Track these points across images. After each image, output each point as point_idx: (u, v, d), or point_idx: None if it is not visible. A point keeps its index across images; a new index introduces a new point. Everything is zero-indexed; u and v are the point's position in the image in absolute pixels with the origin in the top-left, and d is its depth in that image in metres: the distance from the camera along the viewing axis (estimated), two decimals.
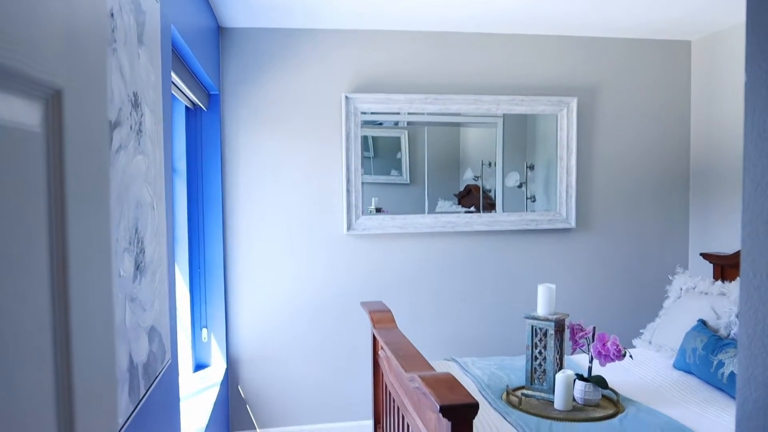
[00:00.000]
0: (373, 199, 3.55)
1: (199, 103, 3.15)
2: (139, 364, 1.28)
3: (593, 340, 2.48)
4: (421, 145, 3.56)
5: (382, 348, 2.75)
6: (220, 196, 3.37)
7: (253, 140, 3.44)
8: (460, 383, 1.78)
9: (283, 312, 3.54)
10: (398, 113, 3.53)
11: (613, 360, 2.42)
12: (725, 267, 3.41)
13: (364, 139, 3.53)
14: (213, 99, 3.34)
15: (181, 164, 3.15)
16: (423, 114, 3.55)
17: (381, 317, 2.79)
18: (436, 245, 3.67)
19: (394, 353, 2.31)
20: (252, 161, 3.45)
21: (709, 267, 3.59)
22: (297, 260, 3.53)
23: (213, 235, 3.37)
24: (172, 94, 2.93)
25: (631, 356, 2.49)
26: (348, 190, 3.48)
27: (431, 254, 3.66)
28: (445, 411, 1.63)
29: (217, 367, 3.40)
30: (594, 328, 2.50)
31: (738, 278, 3.09)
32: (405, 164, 3.55)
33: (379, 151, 3.53)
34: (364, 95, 3.45)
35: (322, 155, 3.52)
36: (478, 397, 2.57)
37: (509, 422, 2.27)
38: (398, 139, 3.56)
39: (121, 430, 1.17)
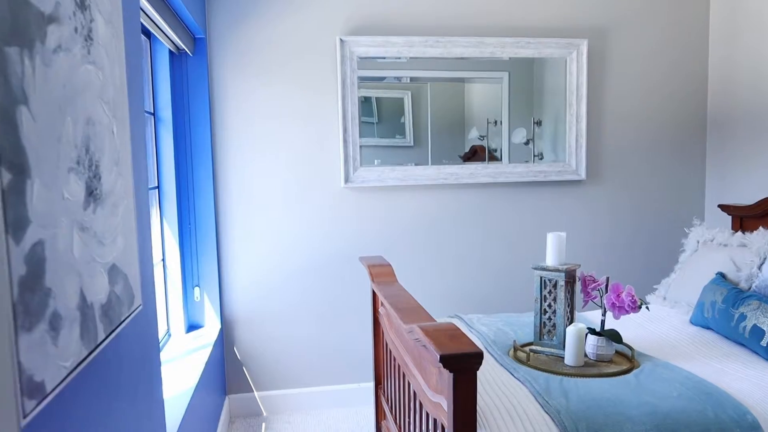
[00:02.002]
0: (375, 161, 3.38)
1: (185, 47, 2.95)
2: (95, 304, 1.12)
3: (606, 292, 2.32)
4: (424, 106, 3.38)
5: (381, 304, 2.60)
6: (209, 148, 3.19)
7: (243, 87, 3.24)
8: (462, 332, 1.62)
9: (280, 269, 3.38)
10: (398, 58, 3.32)
11: (627, 312, 2.26)
12: (745, 218, 3.23)
13: (367, 101, 3.35)
14: (199, 43, 3.13)
15: (166, 113, 2.97)
16: (424, 59, 3.33)
17: (380, 271, 2.63)
18: (439, 198, 3.49)
19: (394, 306, 2.15)
20: (243, 110, 3.26)
21: (726, 219, 3.40)
22: (293, 215, 3.36)
23: (203, 189, 3.20)
24: (153, 36, 2.73)
25: (647, 307, 2.32)
26: (345, 140, 3.29)
27: (434, 208, 3.49)
28: (446, 361, 1.47)
29: (211, 327, 3.26)
30: (608, 278, 2.33)
31: (760, 228, 2.92)
32: (408, 127, 3.38)
33: (382, 117, 3.37)
34: (360, 38, 3.24)
35: (318, 103, 3.32)
36: (484, 354, 2.41)
37: (517, 378, 2.12)
38: (401, 101, 3.39)
39: (73, 372, 1.01)
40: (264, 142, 3.29)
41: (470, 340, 1.55)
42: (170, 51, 2.97)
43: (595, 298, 2.35)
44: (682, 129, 3.69)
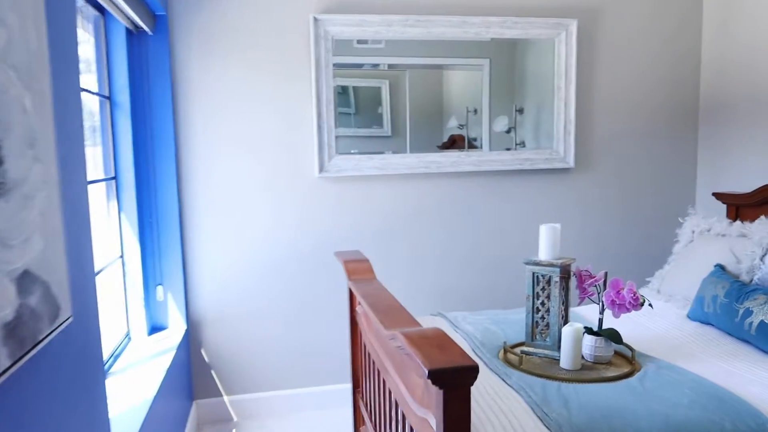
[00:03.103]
0: (352, 151, 3.16)
1: (143, 26, 2.69)
2: None
3: (605, 288, 2.13)
4: (402, 95, 3.20)
5: (359, 303, 2.39)
6: (172, 135, 2.93)
7: (209, 70, 2.99)
8: (452, 340, 1.41)
9: (251, 265, 3.15)
10: (377, 43, 3.09)
11: (628, 310, 2.07)
12: (741, 207, 3.07)
13: (344, 92, 3.16)
14: (160, 21, 2.87)
15: (123, 96, 2.71)
16: (402, 43, 3.12)
17: (357, 267, 2.41)
18: (420, 188, 3.28)
19: (372, 308, 1.94)
20: (209, 95, 3.01)
21: (718, 208, 3.24)
22: (264, 206, 3.13)
23: (165, 180, 2.94)
24: (108, 12, 2.47)
25: (650, 305, 2.14)
26: (319, 127, 3.06)
27: (414, 198, 3.28)
28: (436, 376, 1.26)
29: (176, 328, 3.02)
30: (606, 273, 2.14)
31: (762, 218, 2.76)
32: (386, 118, 3.20)
33: (360, 107, 3.19)
34: (336, 16, 3.01)
35: (290, 87, 3.08)
36: (471, 356, 2.22)
37: (510, 385, 1.92)
38: (379, 90, 3.21)
39: None
40: (232, 130, 3.05)
41: (462, 350, 1.34)
42: (127, 29, 2.70)
43: (592, 294, 2.16)
44: (673, 115, 3.52)
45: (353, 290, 2.32)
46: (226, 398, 3.20)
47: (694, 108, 3.53)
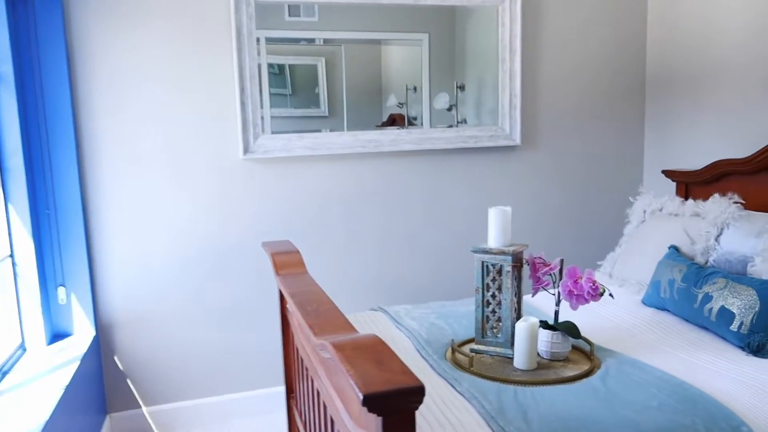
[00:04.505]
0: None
1: None
2: None
3: (561, 277, 1.92)
4: (339, 74, 3.01)
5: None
6: (70, 113, 2.55)
7: (113, 40, 2.61)
8: (392, 353, 1.16)
9: (167, 260, 2.81)
10: (312, 17, 2.80)
11: (587, 301, 1.87)
12: (691, 185, 2.93)
13: (280, 73, 2.94)
14: None
15: (5, 68, 2.31)
16: (337, 15, 2.89)
17: (286, 260, 2.13)
18: (357, 170, 3.00)
19: (301, 308, 1.67)
20: (114, 67, 2.63)
21: (668, 186, 3.10)
22: (182, 194, 2.79)
23: (64, 166, 2.56)
24: None
25: (611, 295, 1.95)
26: (242, 102, 2.74)
27: (351, 181, 3.00)
28: (372, 402, 1.01)
29: (82, 335, 2.66)
30: (562, 260, 1.93)
31: (715, 196, 2.62)
32: (323, 98, 3.01)
33: (297, 87, 2.97)
34: None
35: (209, 59, 2.74)
36: (415, 358, 1.98)
37: (460, 393, 1.68)
38: (315, 68, 2.99)
39: None
40: (143, 108, 2.69)
41: (404, 365, 1.09)
42: None
43: (547, 284, 1.95)
44: (620, 90, 3.36)
45: (281, 287, 2.04)
46: (145, 410, 2.87)
47: (641, 83, 3.38)
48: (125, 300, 2.77)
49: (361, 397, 1.00)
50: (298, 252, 2.16)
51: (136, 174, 2.71)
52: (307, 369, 1.93)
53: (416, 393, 1.02)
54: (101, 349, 2.78)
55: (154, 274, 2.80)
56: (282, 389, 2.85)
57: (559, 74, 3.24)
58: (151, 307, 2.81)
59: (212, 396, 2.96)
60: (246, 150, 2.78)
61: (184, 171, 2.78)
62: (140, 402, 2.86)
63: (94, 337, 2.68)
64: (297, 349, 2.14)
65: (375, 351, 1.17)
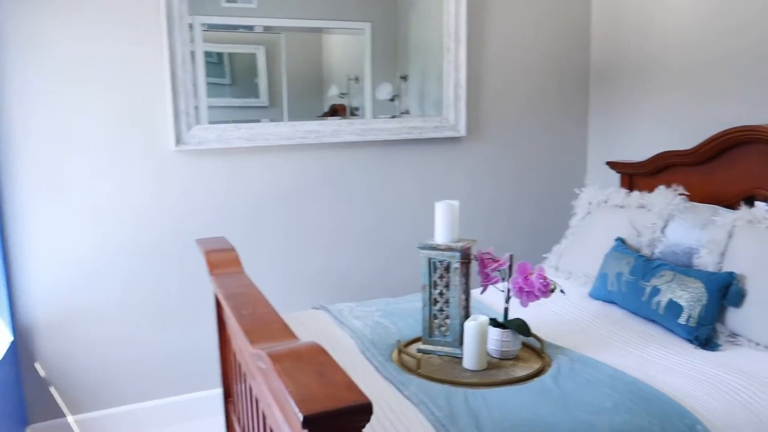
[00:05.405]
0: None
1: None
2: None
3: (511, 273, 1.85)
4: (279, 63, 2.91)
5: None
6: None
7: (27, 18, 2.38)
8: (335, 364, 1.05)
9: (94, 259, 2.61)
10: (250, 3, 2.65)
11: (538, 298, 1.81)
12: (635, 176, 2.93)
13: (219, 62, 2.81)
14: None
15: None
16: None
17: (221, 259, 1.99)
18: (298, 162, 2.87)
19: (236, 312, 1.54)
20: (29, 50, 2.40)
21: (613, 177, 3.09)
22: (109, 188, 2.59)
23: None
24: None
25: (562, 291, 1.89)
26: (174, 90, 2.56)
27: (291, 174, 2.87)
28: (314, 424, 0.90)
29: None
30: (511, 256, 1.86)
31: (661, 188, 2.61)
32: (263, 87, 2.90)
33: (236, 77, 2.86)
34: None
35: (137, 43, 2.54)
36: (359, 360, 1.88)
37: (407, 397, 1.59)
38: (254, 57, 2.87)
39: None
40: (63, 95, 2.47)
41: (349, 379, 0.98)
42: None
43: (496, 281, 1.88)
44: (565, 82, 3.33)
45: (215, 288, 1.90)
46: (71, 418, 2.67)
47: (585, 74, 3.37)
48: (46, 302, 2.56)
49: (301, 418, 0.89)
50: (234, 250, 2.02)
51: (58, 168, 2.50)
52: (245, 374, 1.80)
53: (363, 411, 0.92)
54: (19, 355, 2.56)
55: (80, 274, 2.59)
56: (219, 391, 2.70)
57: (504, 65, 3.19)
58: (76, 308, 2.61)
59: (145, 401, 2.78)
60: (178, 141, 2.60)
61: (112, 164, 2.58)
62: (65, 411, 2.66)
63: (12, 343, 2.47)
64: (235, 353, 2.01)
65: (316, 362, 1.07)
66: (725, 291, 2.00)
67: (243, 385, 1.85)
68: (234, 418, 2.17)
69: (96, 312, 2.64)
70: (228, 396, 2.27)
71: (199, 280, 2.72)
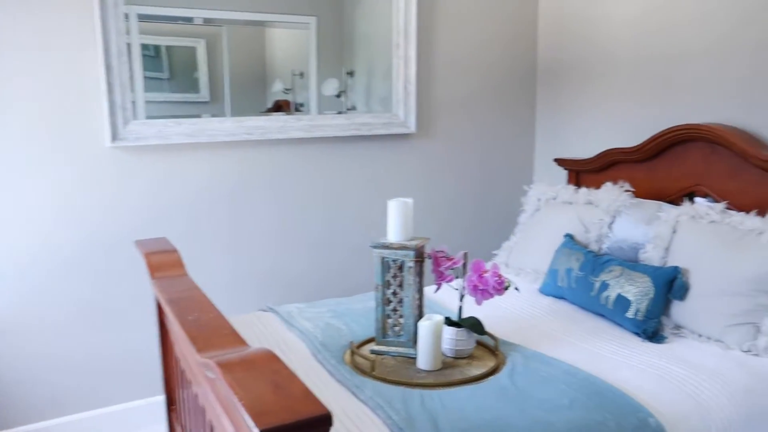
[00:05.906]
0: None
1: None
2: None
3: (465, 272, 1.83)
4: (220, 57, 2.81)
5: None
6: None
7: None
8: (291, 372, 0.99)
9: (24, 264, 2.45)
10: None
11: (492, 296, 1.80)
12: (582, 173, 2.97)
13: (157, 56, 2.68)
14: None
15: None
16: None
17: (162, 261, 1.89)
18: (243, 159, 2.77)
19: (180, 317, 1.45)
20: None
21: (560, 174, 3.13)
22: (41, 188, 2.43)
23: None
24: None
25: (516, 288, 1.88)
26: (109, 83, 2.42)
27: (236, 172, 2.77)
28: None
29: None
30: (465, 254, 1.84)
31: (607, 184, 2.65)
32: (204, 81, 2.79)
33: (175, 71, 2.74)
34: None
35: (69, 33, 2.40)
36: (311, 363, 1.82)
37: (362, 401, 1.54)
38: (194, 50, 2.77)
39: None
40: None
41: (306, 389, 0.93)
42: None
43: (450, 279, 1.86)
44: (513, 79, 3.35)
45: (157, 293, 1.81)
46: None
47: (533, 72, 3.40)
48: None
49: None
50: (177, 251, 1.92)
51: None
52: (190, 381, 1.72)
53: (322, 422, 0.87)
54: None
55: (9, 280, 2.43)
56: (161, 398, 2.59)
57: (453, 61, 3.18)
58: (5, 316, 2.44)
59: (82, 411, 2.63)
60: (114, 137, 2.46)
61: (43, 162, 2.42)
62: None
63: None
64: (178, 360, 1.91)
65: (270, 371, 1.00)
66: (670, 285, 2.04)
67: (188, 392, 1.76)
68: (177, 427, 2.07)
69: (30, 320, 2.48)
70: (171, 404, 2.17)
71: (139, 282, 2.59)
